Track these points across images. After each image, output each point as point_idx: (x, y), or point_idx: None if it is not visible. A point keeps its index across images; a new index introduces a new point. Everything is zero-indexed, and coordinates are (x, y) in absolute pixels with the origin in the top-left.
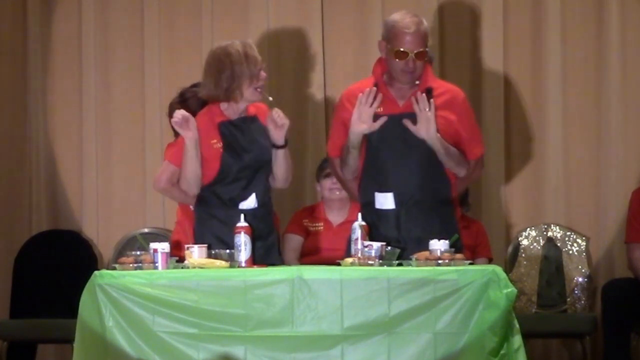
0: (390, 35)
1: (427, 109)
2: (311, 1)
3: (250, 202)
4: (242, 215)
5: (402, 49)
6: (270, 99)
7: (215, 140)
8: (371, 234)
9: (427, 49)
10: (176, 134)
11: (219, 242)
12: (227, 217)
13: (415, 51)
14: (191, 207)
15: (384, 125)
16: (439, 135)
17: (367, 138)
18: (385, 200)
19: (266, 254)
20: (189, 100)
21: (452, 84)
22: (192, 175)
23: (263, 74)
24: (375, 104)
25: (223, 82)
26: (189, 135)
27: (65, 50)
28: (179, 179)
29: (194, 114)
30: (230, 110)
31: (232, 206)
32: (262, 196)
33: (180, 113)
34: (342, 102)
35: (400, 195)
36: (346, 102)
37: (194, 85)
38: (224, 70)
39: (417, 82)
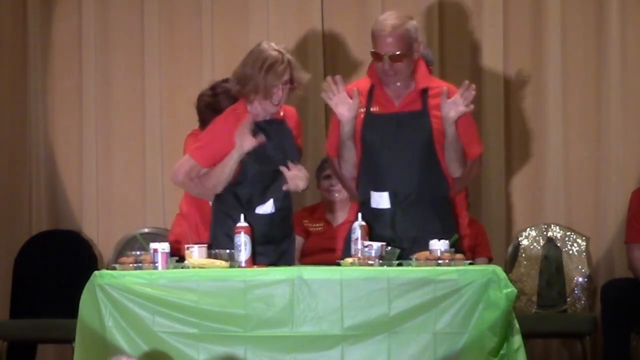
0: (372, 34)
1: (466, 104)
2: (311, 1)
3: (267, 207)
4: (242, 216)
5: (375, 51)
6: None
7: None
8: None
9: (403, 53)
10: (202, 124)
11: (231, 242)
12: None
13: (388, 54)
14: (210, 202)
15: (380, 124)
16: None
17: (363, 137)
18: (380, 200)
19: (279, 259)
20: (219, 96)
21: (449, 83)
22: (225, 180)
23: (279, 92)
24: (341, 88)
25: (243, 82)
26: (244, 148)
27: (65, 50)
28: (197, 174)
29: (223, 110)
30: (255, 112)
31: (249, 209)
32: (281, 201)
33: (252, 141)
34: None
35: (396, 194)
36: (326, 99)
37: (225, 81)
38: (247, 71)
39: (398, 84)
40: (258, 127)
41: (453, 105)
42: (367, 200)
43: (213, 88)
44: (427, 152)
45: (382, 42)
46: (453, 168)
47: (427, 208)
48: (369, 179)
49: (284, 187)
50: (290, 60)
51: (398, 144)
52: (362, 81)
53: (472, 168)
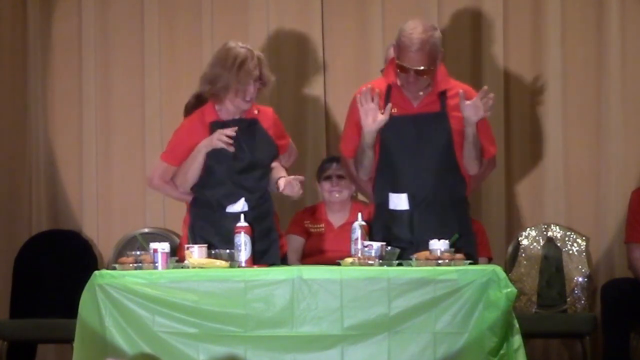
0: (398, 45)
1: (485, 110)
2: (311, 1)
3: (238, 206)
4: (242, 216)
5: (403, 64)
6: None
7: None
8: (384, 235)
9: (429, 67)
10: (186, 116)
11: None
12: (214, 220)
13: (415, 68)
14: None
15: (399, 125)
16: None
17: (381, 138)
18: (399, 201)
19: (256, 259)
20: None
21: (466, 84)
22: (192, 176)
23: (250, 89)
24: (376, 99)
25: (213, 81)
26: (210, 145)
27: (65, 50)
28: (172, 176)
29: None
30: (225, 111)
31: (219, 209)
32: (256, 200)
33: (227, 135)
34: (355, 103)
35: (415, 196)
36: (358, 103)
37: None
38: (217, 71)
39: (421, 93)
40: (224, 127)
41: (474, 108)
42: (385, 201)
43: (198, 96)
44: (445, 153)
45: (410, 57)
46: (472, 165)
47: (445, 209)
48: (386, 180)
49: (281, 190)
50: (259, 57)
51: (417, 146)
52: (377, 82)
53: (487, 168)
